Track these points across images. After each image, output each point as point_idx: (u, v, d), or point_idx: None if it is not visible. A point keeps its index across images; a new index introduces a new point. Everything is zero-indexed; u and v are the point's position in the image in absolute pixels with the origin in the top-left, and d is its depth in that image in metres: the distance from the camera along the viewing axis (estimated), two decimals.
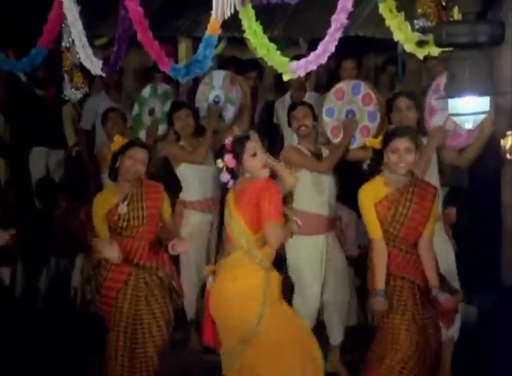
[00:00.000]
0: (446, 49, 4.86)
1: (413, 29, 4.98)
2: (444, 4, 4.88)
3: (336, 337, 5.93)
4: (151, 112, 6.81)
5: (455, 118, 4.89)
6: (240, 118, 6.56)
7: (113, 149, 5.20)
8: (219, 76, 6.63)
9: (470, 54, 4.76)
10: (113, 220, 5.11)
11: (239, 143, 4.43)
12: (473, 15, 4.77)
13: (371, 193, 4.75)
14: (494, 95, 4.76)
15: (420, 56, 5.08)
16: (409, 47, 5.05)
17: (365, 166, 5.44)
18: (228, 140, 4.47)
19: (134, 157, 5.09)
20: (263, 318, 4.33)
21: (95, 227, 5.19)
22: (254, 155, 4.39)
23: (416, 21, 4.99)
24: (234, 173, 4.41)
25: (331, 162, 5.83)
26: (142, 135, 6.80)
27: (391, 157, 4.70)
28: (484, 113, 4.79)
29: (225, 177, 4.45)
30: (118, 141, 5.20)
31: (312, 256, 5.84)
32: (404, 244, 4.78)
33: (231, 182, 4.44)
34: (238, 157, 4.38)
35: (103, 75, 6.29)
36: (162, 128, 6.74)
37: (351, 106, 5.87)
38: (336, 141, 5.92)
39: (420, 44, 5.00)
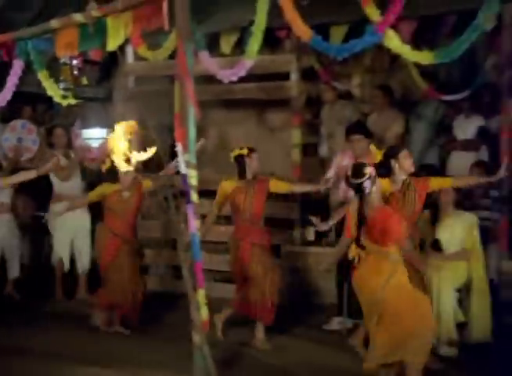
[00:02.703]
0: (80, 101, 8.09)
1: (59, 88, 7.92)
2: (77, 74, 8.08)
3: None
4: None
5: (87, 141, 8.19)
6: None
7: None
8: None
9: (95, 104, 8.30)
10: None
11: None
12: (94, 81, 8.25)
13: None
14: (108, 128, 8.26)
15: (64, 104, 7.87)
16: (57, 98, 7.88)
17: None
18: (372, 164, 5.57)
19: None
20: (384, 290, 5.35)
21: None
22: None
23: (61, 83, 7.99)
24: (373, 182, 5.33)
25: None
26: None
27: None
28: (103, 138, 8.26)
29: (367, 184, 5.30)
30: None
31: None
32: None
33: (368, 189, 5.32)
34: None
35: None
36: None
37: (21, 135, 8.38)
38: (11, 156, 8.21)
39: (65, 97, 7.95)
